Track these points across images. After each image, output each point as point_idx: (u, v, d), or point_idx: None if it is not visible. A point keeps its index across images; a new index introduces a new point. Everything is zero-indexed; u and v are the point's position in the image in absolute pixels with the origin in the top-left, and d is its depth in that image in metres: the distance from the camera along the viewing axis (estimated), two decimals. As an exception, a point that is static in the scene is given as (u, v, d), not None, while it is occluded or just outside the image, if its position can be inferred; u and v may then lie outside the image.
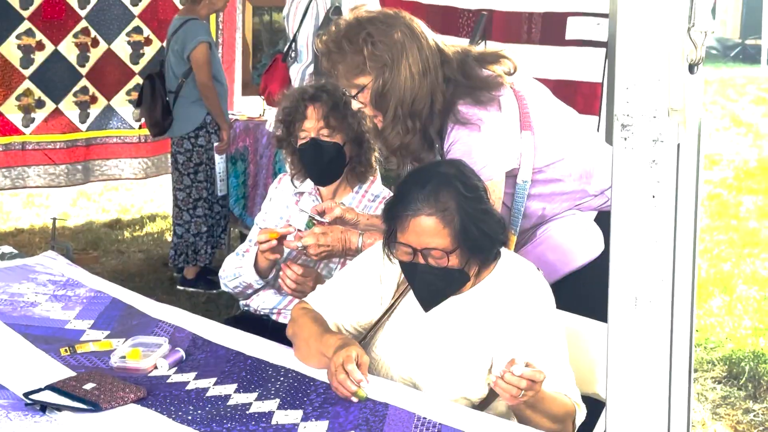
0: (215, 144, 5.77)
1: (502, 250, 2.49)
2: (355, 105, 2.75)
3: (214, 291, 5.72)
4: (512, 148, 2.72)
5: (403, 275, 2.46)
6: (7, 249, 3.64)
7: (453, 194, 2.30)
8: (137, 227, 7.46)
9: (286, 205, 3.24)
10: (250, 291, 3.10)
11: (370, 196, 3.18)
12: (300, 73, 5.25)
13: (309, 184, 3.22)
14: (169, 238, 7.14)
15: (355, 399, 2.20)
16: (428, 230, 2.29)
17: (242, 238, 6.23)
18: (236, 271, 3.09)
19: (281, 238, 2.94)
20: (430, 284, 2.36)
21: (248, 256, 3.07)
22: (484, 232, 2.33)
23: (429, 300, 2.40)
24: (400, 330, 2.46)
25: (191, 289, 5.87)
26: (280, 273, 2.97)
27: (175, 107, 5.74)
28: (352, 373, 2.21)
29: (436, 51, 2.69)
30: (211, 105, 5.68)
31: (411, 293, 2.45)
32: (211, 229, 5.94)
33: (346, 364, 2.22)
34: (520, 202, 2.76)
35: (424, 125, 2.69)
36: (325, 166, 3.11)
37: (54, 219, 4.46)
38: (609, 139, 4.24)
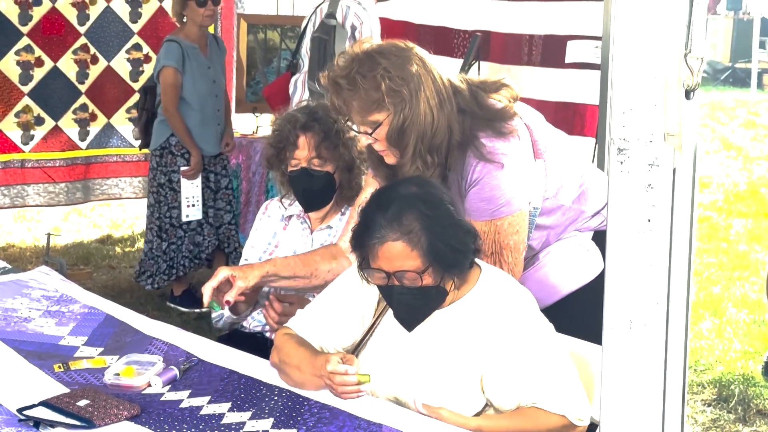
0: (182, 168, 5.59)
1: (484, 265, 2.49)
2: (364, 141, 2.65)
3: (197, 310, 5.71)
4: (532, 177, 2.71)
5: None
6: (0, 263, 3.63)
7: (416, 215, 2.29)
8: (128, 243, 7.45)
9: (274, 232, 3.25)
10: (234, 326, 3.15)
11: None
12: (293, 84, 5.25)
13: (298, 206, 3.23)
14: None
15: (364, 387, 2.24)
16: (397, 255, 2.28)
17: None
18: (220, 311, 3.12)
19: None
20: (409, 304, 2.36)
21: None
22: (454, 247, 2.31)
23: (410, 320, 2.40)
24: (384, 347, 2.46)
25: (176, 306, 5.82)
26: (264, 312, 2.99)
27: (153, 123, 5.68)
28: (334, 369, 2.24)
29: (447, 81, 2.62)
30: (175, 130, 5.52)
31: (391, 311, 2.45)
32: (167, 253, 5.72)
33: (331, 365, 2.25)
34: (530, 229, 2.76)
35: (442, 159, 2.63)
36: (314, 194, 3.12)
37: (48, 234, 4.44)
38: (603, 162, 4.29)
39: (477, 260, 2.46)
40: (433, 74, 2.58)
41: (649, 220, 1.84)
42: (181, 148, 5.57)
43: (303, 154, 3.08)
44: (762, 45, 17.85)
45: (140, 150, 6.22)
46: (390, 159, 2.65)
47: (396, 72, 2.53)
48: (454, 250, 2.32)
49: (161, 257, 5.71)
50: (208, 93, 5.66)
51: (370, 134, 2.59)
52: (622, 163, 1.84)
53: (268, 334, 3.10)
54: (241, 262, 3.27)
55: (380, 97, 2.52)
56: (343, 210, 3.20)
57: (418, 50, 2.63)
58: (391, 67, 2.53)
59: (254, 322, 3.13)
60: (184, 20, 5.59)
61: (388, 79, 2.51)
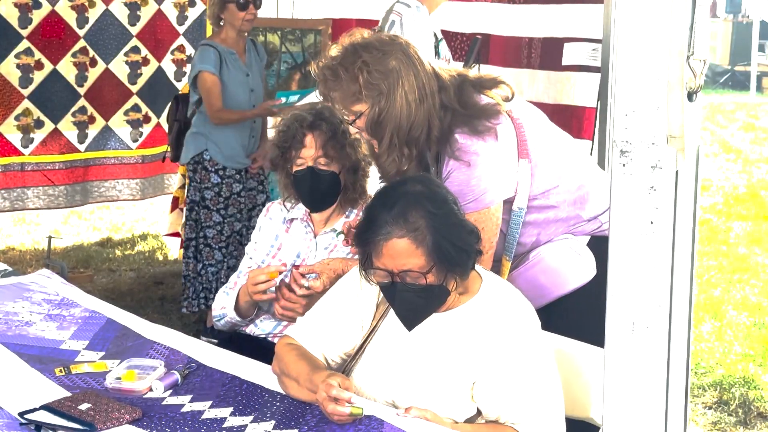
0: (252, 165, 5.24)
1: (486, 273, 2.49)
2: (352, 130, 2.75)
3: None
4: (509, 176, 2.72)
5: (381, 296, 2.45)
6: (1, 266, 3.62)
7: (422, 213, 2.29)
8: (128, 246, 7.45)
9: (276, 235, 3.24)
10: (237, 328, 3.13)
11: None
12: None
13: (300, 209, 3.22)
14: (160, 257, 7.15)
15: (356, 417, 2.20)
16: (402, 252, 2.28)
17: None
18: (222, 311, 3.13)
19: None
20: (411, 303, 2.35)
21: (232, 295, 3.10)
22: (458, 247, 2.32)
23: (411, 319, 2.39)
24: (383, 351, 2.45)
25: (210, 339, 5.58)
26: (277, 293, 2.98)
27: (185, 134, 5.35)
28: (339, 395, 2.19)
29: (433, 76, 2.68)
30: (237, 121, 5.14)
31: (391, 314, 2.44)
32: (202, 275, 5.32)
33: (329, 392, 2.20)
34: (516, 229, 2.77)
35: (420, 152, 2.68)
36: (320, 194, 3.11)
37: (49, 237, 4.43)
38: (601, 163, 4.30)
39: (478, 269, 2.46)
40: (416, 69, 2.65)
41: (651, 223, 1.84)
42: (215, 163, 5.18)
43: (310, 153, 3.08)
44: (761, 48, 17.85)
45: (173, 162, 5.89)
46: (377, 151, 2.73)
47: (375, 66, 2.61)
48: (458, 250, 2.32)
49: (197, 279, 5.33)
50: (245, 102, 5.26)
51: (352, 123, 2.69)
52: (624, 165, 1.84)
53: (271, 338, 3.09)
54: (244, 259, 3.25)
55: (359, 89, 2.62)
56: (347, 213, 3.19)
57: (404, 45, 2.69)
58: (371, 60, 2.62)
59: (258, 330, 3.12)
60: (221, 24, 5.24)
61: (367, 72, 2.61)
